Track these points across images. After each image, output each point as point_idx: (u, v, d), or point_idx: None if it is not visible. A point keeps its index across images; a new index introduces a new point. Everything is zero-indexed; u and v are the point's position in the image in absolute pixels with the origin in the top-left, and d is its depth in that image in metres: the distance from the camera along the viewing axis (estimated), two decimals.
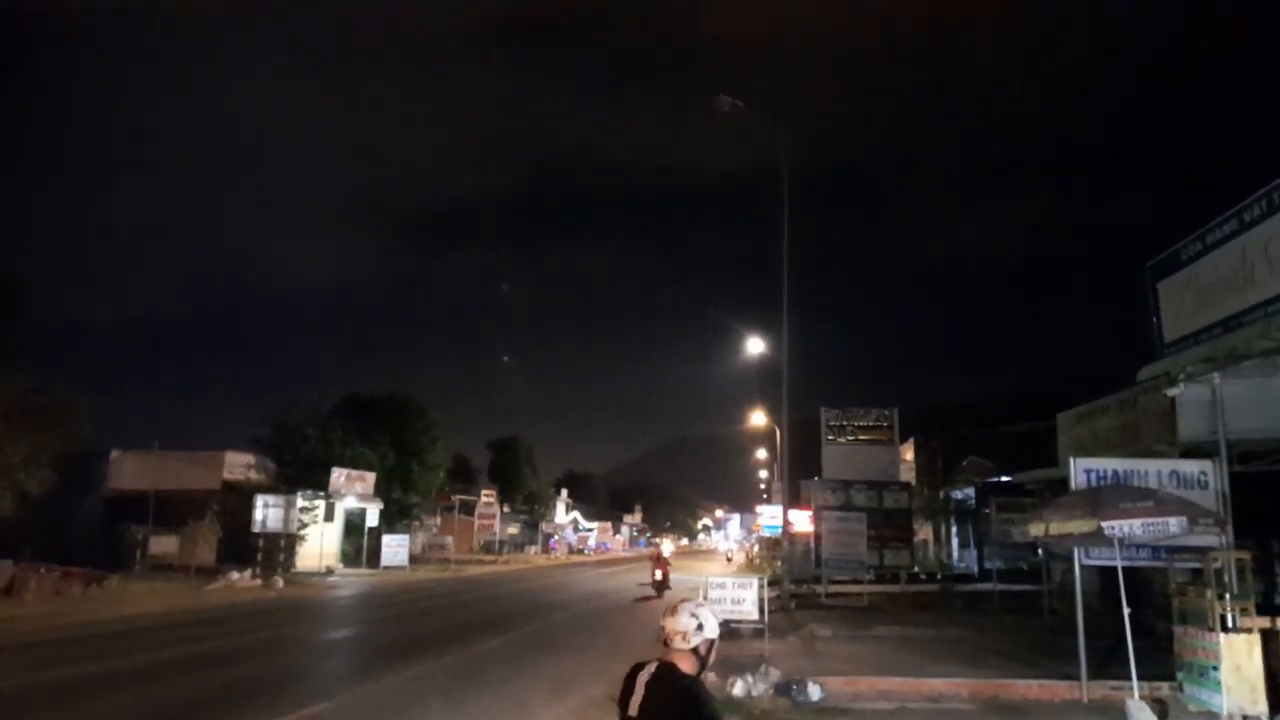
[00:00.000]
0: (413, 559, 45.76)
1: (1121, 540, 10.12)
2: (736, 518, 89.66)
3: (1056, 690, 11.60)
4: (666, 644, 3.54)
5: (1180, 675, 10.49)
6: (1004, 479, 28.42)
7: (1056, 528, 10.33)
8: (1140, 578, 13.66)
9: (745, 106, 23.31)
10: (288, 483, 37.00)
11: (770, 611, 17.17)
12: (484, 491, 68.66)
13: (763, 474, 65.92)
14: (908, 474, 38.13)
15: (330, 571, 38.40)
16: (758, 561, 52.32)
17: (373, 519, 43.32)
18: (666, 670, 3.46)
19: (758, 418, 50.76)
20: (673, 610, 3.61)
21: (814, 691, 11.21)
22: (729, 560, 61.31)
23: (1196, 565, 11.21)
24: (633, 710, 3.41)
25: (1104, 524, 9.76)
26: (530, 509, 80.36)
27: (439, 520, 59.65)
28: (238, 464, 38.75)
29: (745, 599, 15.04)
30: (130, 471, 38.79)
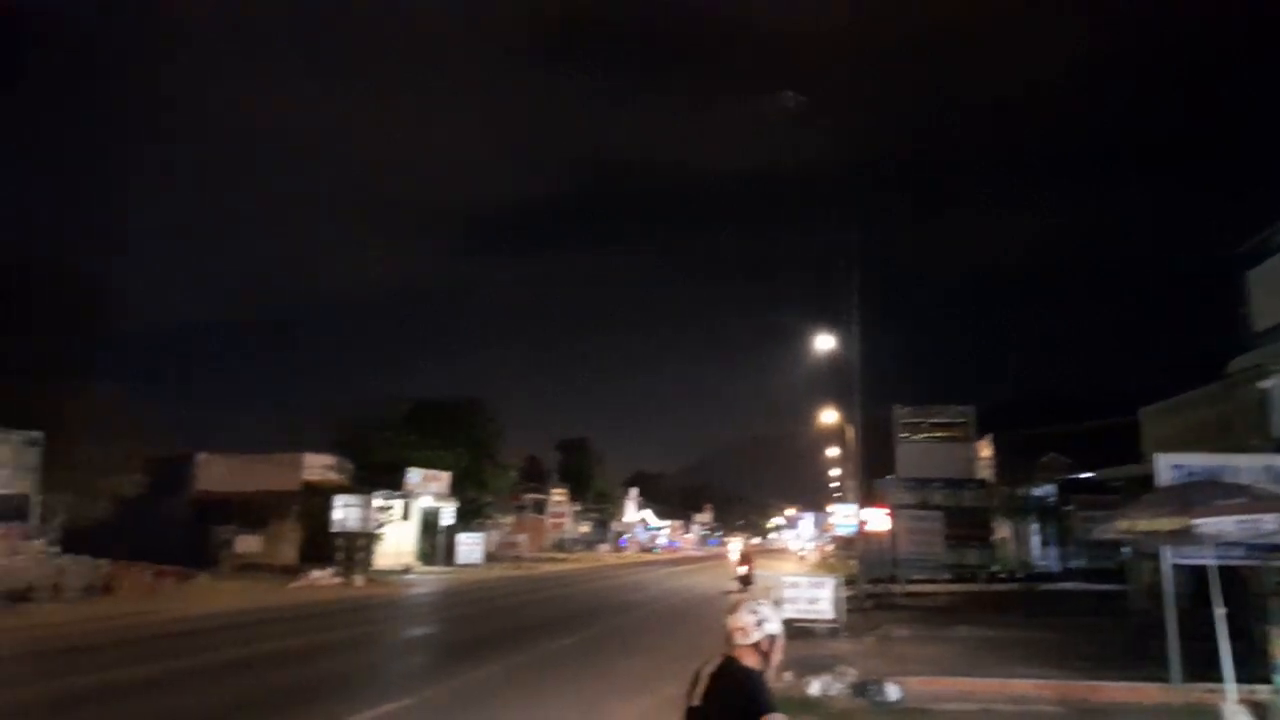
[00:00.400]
0: (487, 557, 46.45)
1: (1213, 538, 9.74)
2: (809, 517, 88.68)
3: (1148, 693, 11.22)
4: (730, 641, 3.65)
5: (1278, 678, 10.07)
6: (1085, 476, 27.61)
7: (1144, 525, 10.00)
8: (1235, 577, 13.14)
9: (807, 102, 23.07)
10: (365, 483, 37.84)
11: (846, 611, 16.99)
12: (554, 491, 69.32)
13: (834, 472, 65.14)
14: (984, 471, 37.29)
15: (408, 570, 39.16)
16: (832, 561, 51.77)
17: (448, 518, 44.04)
18: (729, 663, 3.60)
19: (828, 416, 50.21)
20: (734, 609, 3.72)
21: (892, 692, 11.05)
22: (801, 559, 60.78)
23: None
24: (695, 700, 3.56)
25: (1194, 522, 9.41)
26: (600, 508, 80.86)
27: (512, 519, 60.39)
28: (316, 465, 39.77)
29: (820, 598, 14.92)
30: (215, 474, 40.11)
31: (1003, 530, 37.94)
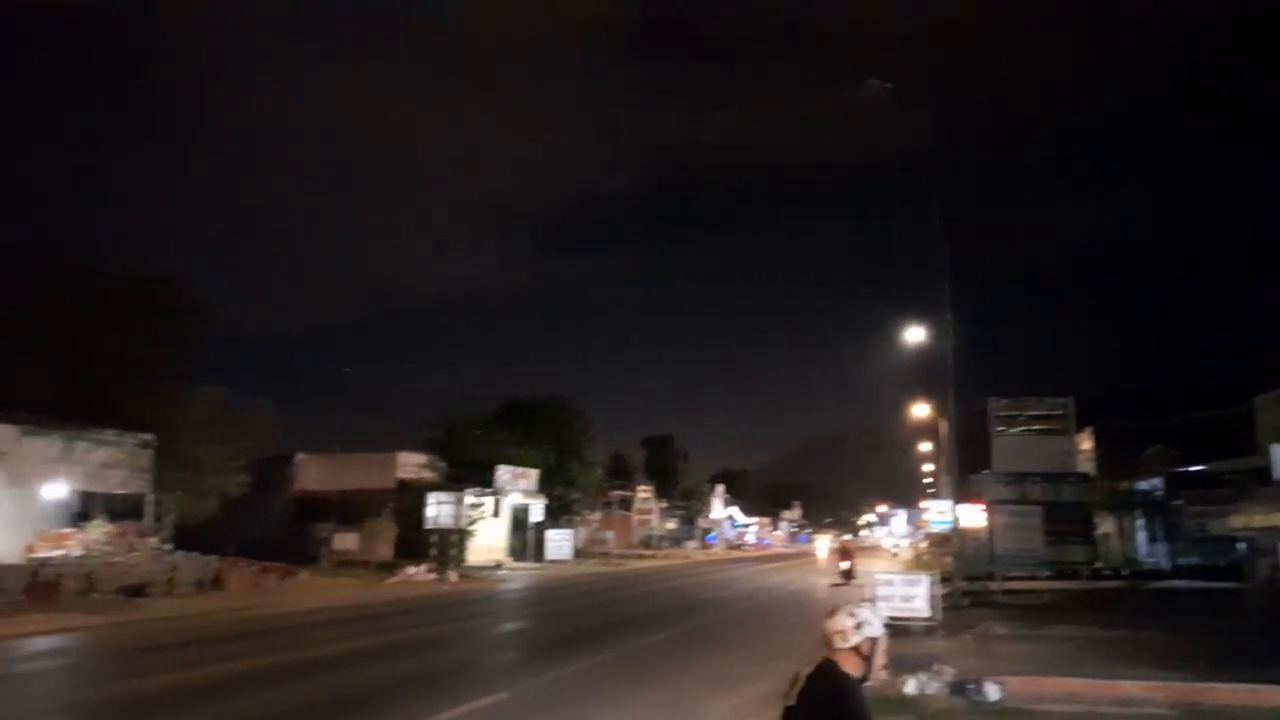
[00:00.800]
0: (576, 553, 46.91)
1: None
2: (901, 513, 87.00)
3: (1267, 696, 10.62)
4: (829, 645, 3.61)
5: None
6: (1195, 469, 26.37)
7: (1262, 520, 9.49)
8: None
9: (893, 91, 22.62)
10: (456, 481, 38.62)
11: (942, 609, 16.59)
12: (640, 488, 69.59)
13: (926, 468, 63.73)
14: (1085, 465, 35.96)
15: (499, 565, 39.84)
16: (926, 558, 50.68)
17: (537, 514, 44.65)
18: (827, 666, 3.56)
19: (919, 410, 49.14)
20: (832, 612, 3.67)
21: (992, 691, 10.73)
22: (894, 556, 59.69)
23: None
24: (791, 700, 3.55)
25: None
26: (686, 505, 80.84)
27: (599, 516, 60.86)
28: (410, 464, 40.75)
29: (915, 596, 14.60)
30: (314, 473, 41.47)
31: (1106, 526, 36.54)
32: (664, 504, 75.22)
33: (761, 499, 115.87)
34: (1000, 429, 31.32)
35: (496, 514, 42.09)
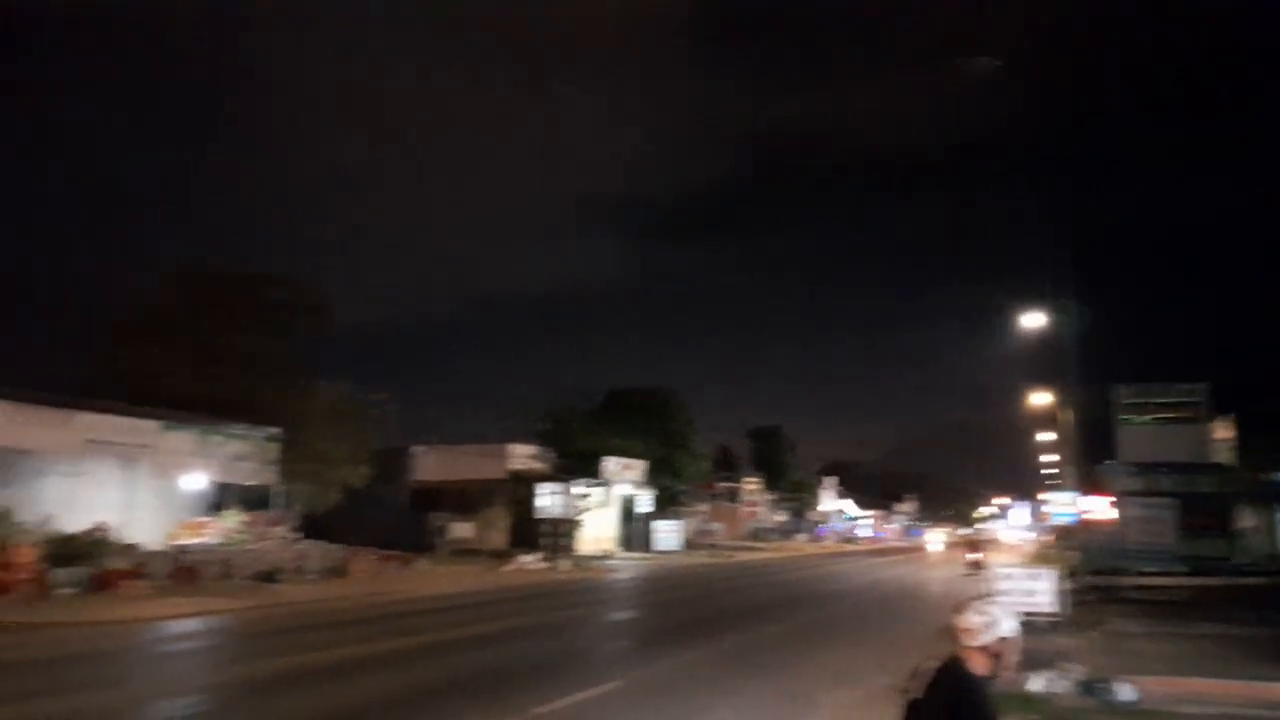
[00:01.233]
0: (684, 544, 47.01)
1: None
2: (1022, 506, 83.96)
3: None
4: (957, 642, 3.51)
5: None
6: None
7: None
8: None
9: (1002, 65, 21.70)
10: (565, 472, 39.18)
11: (1069, 605, 15.90)
12: (748, 480, 69.14)
13: (1047, 458, 61.22)
14: (1223, 455, 33.89)
15: (609, 555, 40.26)
16: (1049, 551, 48.80)
17: (644, 505, 44.90)
18: (954, 663, 3.47)
19: (1038, 398, 47.21)
20: (960, 607, 3.56)
21: (1124, 691, 10.21)
22: (1015, 549, 57.64)
23: None
24: (916, 693, 3.50)
25: None
26: (796, 497, 79.92)
27: (707, 507, 60.76)
28: (520, 455, 41.55)
29: (1038, 590, 14.04)
30: (429, 464, 42.72)
31: (1247, 519, 34.39)
32: (772, 496, 74.56)
33: (874, 491, 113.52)
34: (1127, 418, 29.81)
35: (605, 505, 42.53)
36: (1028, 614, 14.59)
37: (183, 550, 23.61)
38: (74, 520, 20.96)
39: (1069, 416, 31.26)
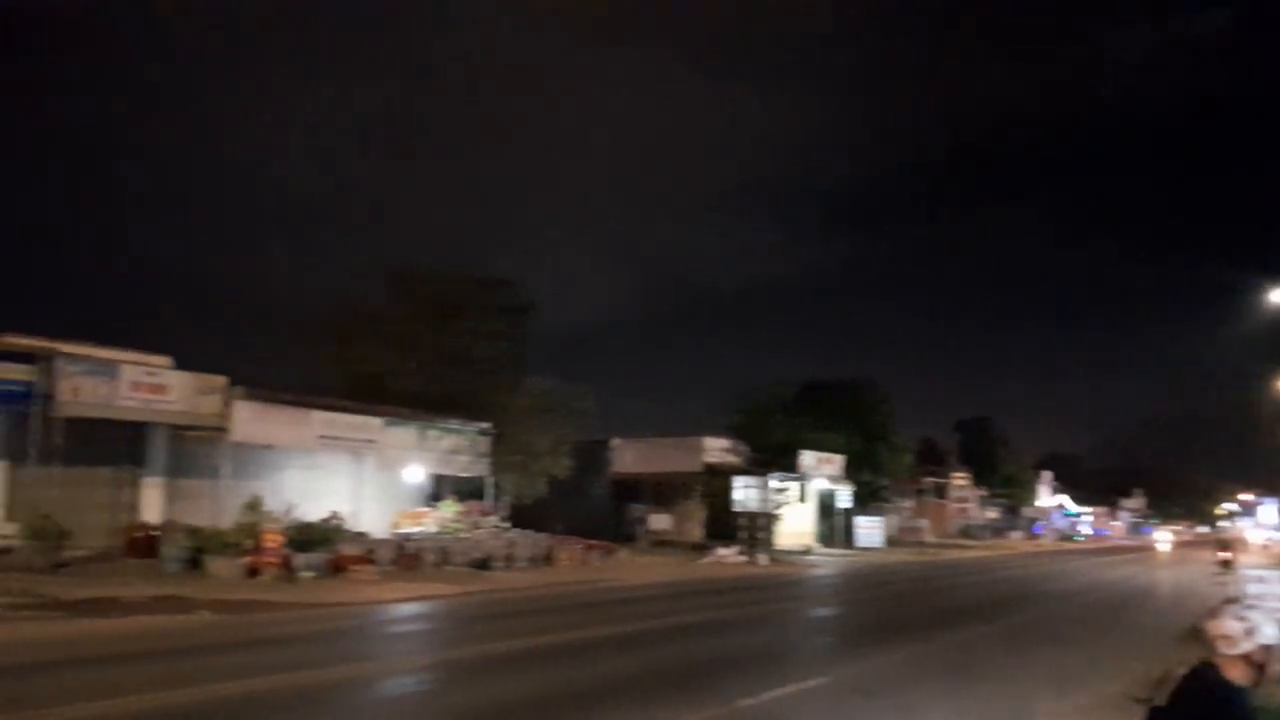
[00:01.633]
0: (888, 541, 45.65)
1: None
2: (1270, 503, 75.67)
3: None
4: (1212, 649, 3.20)
5: None
6: None
7: None
8: None
9: (1235, 16, 19.48)
10: (761, 465, 38.94)
11: None
12: (955, 474, 66.11)
13: None
14: None
15: (808, 550, 39.68)
16: None
17: (844, 501, 43.91)
18: (1208, 671, 3.16)
19: None
20: (1216, 611, 3.26)
21: None
22: (1266, 549, 52.05)
23: None
24: (1160, 700, 3.22)
25: None
26: (1009, 492, 75.67)
27: (911, 503, 58.71)
28: (715, 448, 41.67)
29: None
30: (627, 457, 43.64)
31: None
32: (983, 492, 70.98)
33: (1096, 486, 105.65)
34: None
35: (803, 499, 41.92)
36: None
37: (405, 538, 25.32)
38: (310, 509, 22.92)
39: None
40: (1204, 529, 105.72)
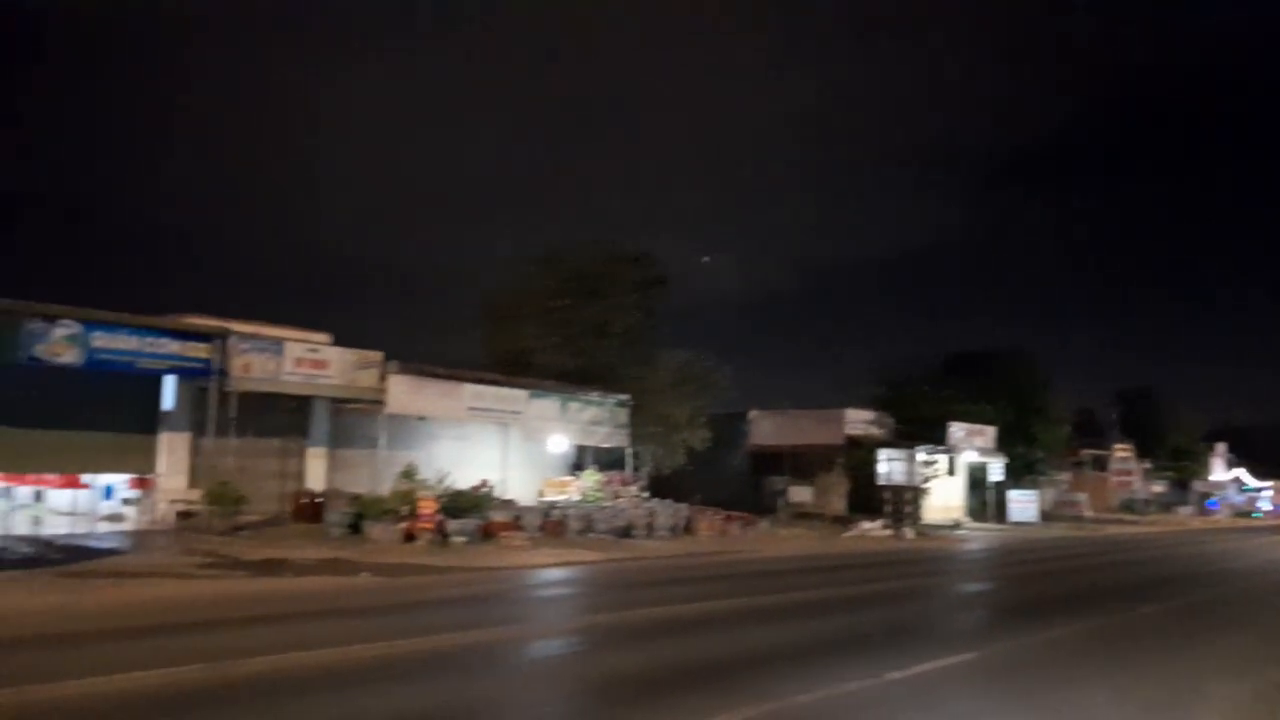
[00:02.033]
0: (1042, 516, 43.83)
1: None
2: None
3: None
4: None
5: None
6: None
7: None
8: None
9: None
10: (906, 438, 37.96)
11: None
12: (1117, 446, 62.49)
13: None
14: None
15: (957, 525, 38.53)
16: None
17: (995, 474, 42.36)
18: None
19: None
20: None
21: None
22: None
23: None
24: None
25: None
26: (1177, 465, 71.01)
27: (1068, 477, 56.02)
28: (857, 420, 40.90)
29: None
30: (766, 428, 43.39)
31: None
32: (1147, 465, 66.87)
33: (1276, 459, 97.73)
34: None
35: (951, 472, 40.67)
36: None
37: (550, 506, 26.06)
38: (460, 477, 23.89)
39: None
40: None
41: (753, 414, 43.84)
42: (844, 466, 40.05)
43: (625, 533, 25.32)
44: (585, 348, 31.45)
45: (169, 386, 21.98)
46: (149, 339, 20.75)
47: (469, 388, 26.16)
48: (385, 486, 22.60)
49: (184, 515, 21.15)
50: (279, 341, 22.96)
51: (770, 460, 41.22)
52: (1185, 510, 66.67)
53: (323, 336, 24.64)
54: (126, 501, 23.15)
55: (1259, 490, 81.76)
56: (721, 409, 36.20)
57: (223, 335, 21.97)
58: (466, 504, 22.72)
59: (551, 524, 24.26)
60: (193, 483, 21.88)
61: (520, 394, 27.40)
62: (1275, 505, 79.92)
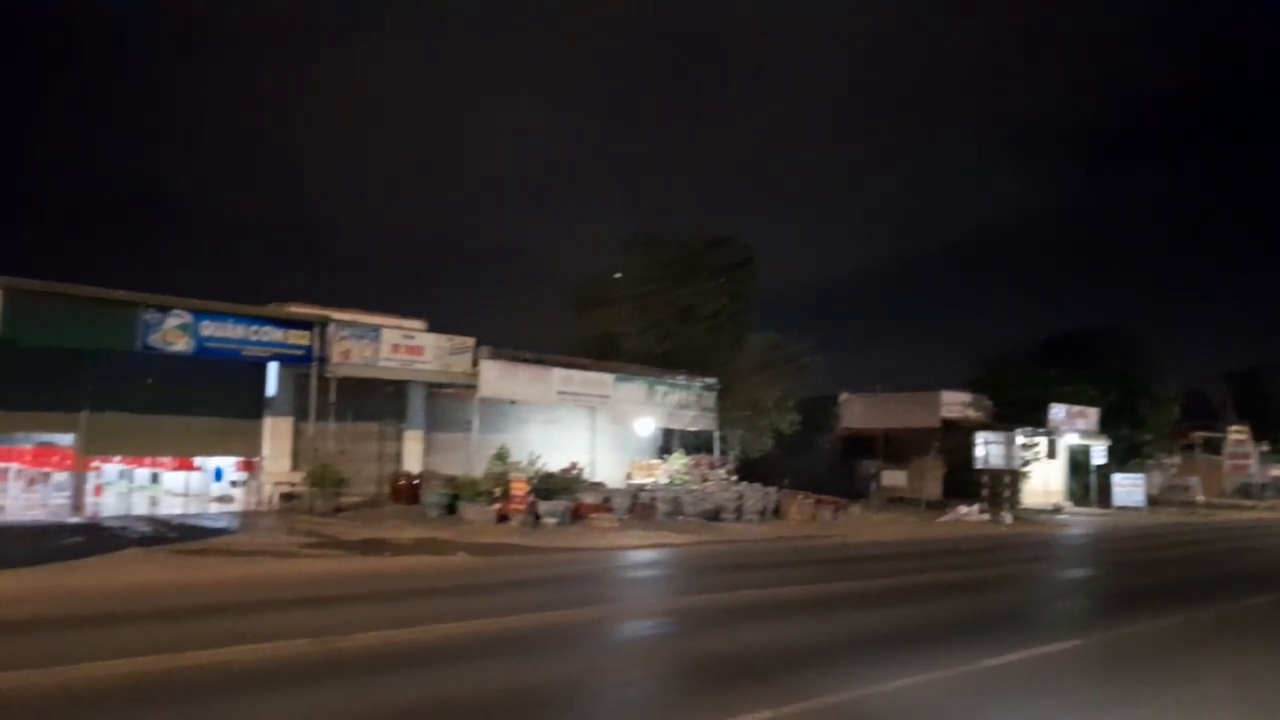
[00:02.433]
0: (1149, 500, 42.11)
1: None
2: None
3: None
4: None
5: None
6: None
7: None
8: None
9: None
10: (1004, 420, 36.91)
11: None
12: (1232, 428, 59.51)
13: None
14: None
15: (1058, 509, 37.34)
16: None
17: (1098, 457, 40.86)
18: None
19: None
20: None
21: None
22: None
23: None
24: None
25: None
26: None
27: (1178, 460, 53.64)
28: (954, 403, 39.90)
29: None
30: (857, 412, 42.67)
31: None
32: (1264, 447, 63.50)
33: None
34: None
35: (1052, 455, 39.39)
36: None
37: (639, 488, 26.19)
38: (551, 460, 24.21)
39: None
40: None
41: (844, 396, 43.17)
42: (939, 450, 39.13)
43: (714, 516, 25.28)
44: (673, 331, 31.50)
45: (272, 373, 22.84)
46: (254, 327, 21.59)
47: (558, 372, 26.47)
48: (479, 469, 23.06)
49: (287, 497, 22.01)
50: (376, 328, 23.62)
51: (862, 444, 40.56)
52: None
53: (417, 323, 25.25)
54: (234, 483, 24.22)
55: None
56: (811, 391, 35.78)
57: (323, 323, 22.71)
58: (557, 486, 23.02)
59: (641, 506, 24.39)
60: (295, 465, 22.73)
61: (608, 378, 27.58)
62: None
